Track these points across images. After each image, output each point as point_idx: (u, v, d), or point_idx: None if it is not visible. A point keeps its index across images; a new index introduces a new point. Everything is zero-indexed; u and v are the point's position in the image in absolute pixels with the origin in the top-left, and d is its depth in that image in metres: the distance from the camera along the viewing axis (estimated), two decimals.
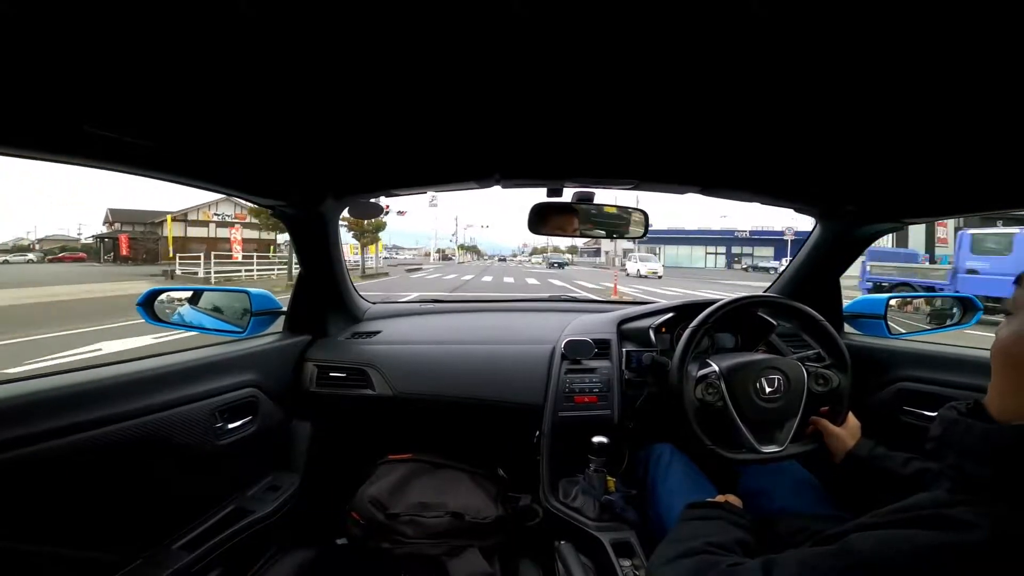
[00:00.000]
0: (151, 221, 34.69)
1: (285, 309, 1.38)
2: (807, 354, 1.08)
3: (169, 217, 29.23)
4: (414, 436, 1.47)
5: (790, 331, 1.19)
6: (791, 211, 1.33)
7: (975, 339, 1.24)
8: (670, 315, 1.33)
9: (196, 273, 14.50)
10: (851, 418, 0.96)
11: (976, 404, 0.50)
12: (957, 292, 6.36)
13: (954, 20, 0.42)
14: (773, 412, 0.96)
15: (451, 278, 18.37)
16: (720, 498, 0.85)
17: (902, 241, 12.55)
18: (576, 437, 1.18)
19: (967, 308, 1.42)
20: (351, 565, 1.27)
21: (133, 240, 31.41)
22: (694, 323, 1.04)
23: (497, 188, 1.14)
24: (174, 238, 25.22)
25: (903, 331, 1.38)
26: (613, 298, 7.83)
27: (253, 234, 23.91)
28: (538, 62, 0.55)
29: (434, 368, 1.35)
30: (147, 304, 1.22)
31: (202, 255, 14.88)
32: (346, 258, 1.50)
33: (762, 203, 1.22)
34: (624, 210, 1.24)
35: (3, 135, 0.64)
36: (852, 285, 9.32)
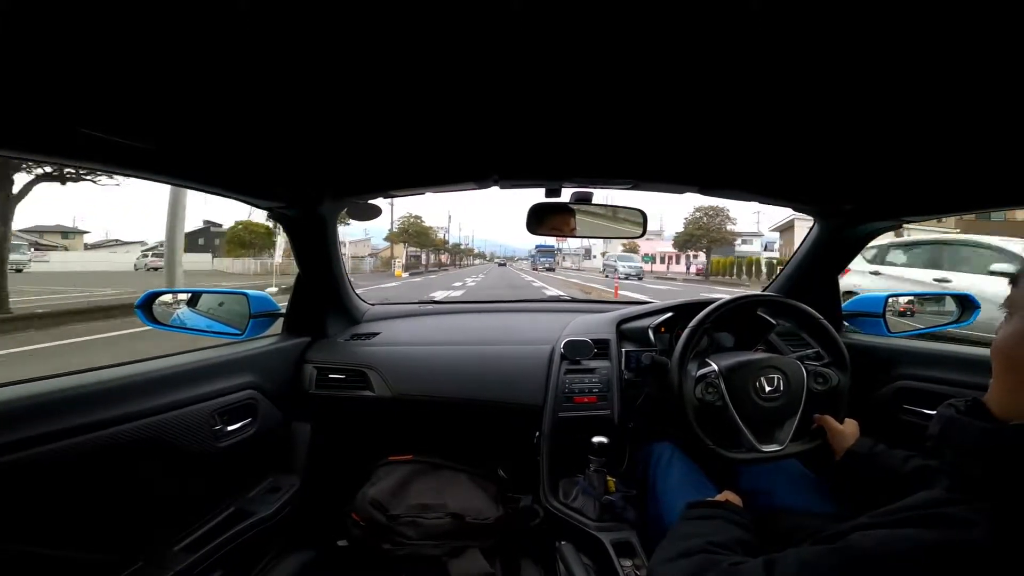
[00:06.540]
0: None
1: (284, 311, 1.38)
2: (806, 353, 1.08)
3: None
4: (414, 437, 1.46)
5: (789, 330, 1.19)
6: None
7: None
8: (669, 315, 1.33)
9: None
10: (849, 419, 0.96)
11: (974, 402, 0.50)
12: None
13: (951, 18, 0.42)
14: (773, 411, 0.96)
15: None
16: (720, 497, 0.85)
17: None
18: (576, 437, 1.18)
19: (966, 306, 1.42)
20: (352, 566, 1.27)
21: None
22: (693, 322, 1.04)
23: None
24: None
25: (903, 329, 1.38)
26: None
27: None
28: (535, 62, 0.55)
29: (434, 369, 1.35)
30: (145, 307, 1.22)
31: None
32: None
33: (761, 202, 1.22)
34: (621, 210, 1.24)
35: None
36: None
